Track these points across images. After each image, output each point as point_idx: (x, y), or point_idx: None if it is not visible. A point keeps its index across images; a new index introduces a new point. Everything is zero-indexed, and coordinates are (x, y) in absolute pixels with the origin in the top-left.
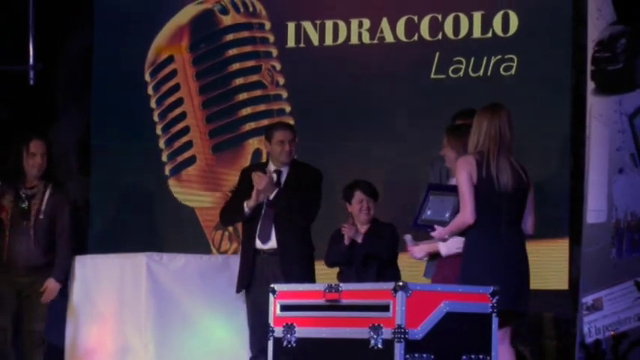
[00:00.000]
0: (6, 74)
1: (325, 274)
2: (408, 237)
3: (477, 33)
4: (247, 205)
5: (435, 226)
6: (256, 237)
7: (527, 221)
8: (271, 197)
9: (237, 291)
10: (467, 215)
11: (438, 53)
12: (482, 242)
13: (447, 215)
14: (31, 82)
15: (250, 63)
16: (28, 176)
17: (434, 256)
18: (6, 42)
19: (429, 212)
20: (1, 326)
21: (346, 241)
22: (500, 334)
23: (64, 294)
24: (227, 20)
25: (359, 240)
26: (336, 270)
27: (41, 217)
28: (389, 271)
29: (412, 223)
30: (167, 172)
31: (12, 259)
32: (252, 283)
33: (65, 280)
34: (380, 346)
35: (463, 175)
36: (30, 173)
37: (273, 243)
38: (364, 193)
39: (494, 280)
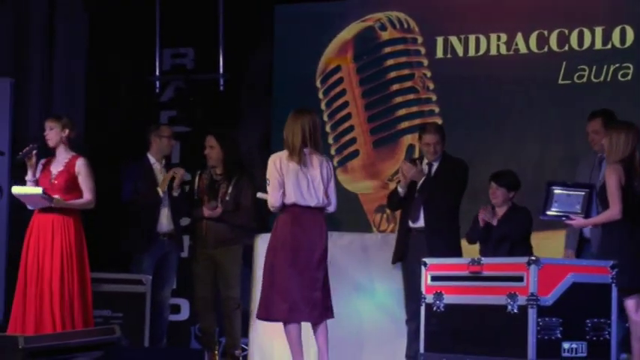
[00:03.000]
0: (200, 82)
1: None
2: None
3: (598, 45)
4: (400, 187)
5: (572, 216)
6: (409, 217)
7: None
8: (419, 185)
9: (392, 262)
10: (616, 212)
11: (564, 62)
12: (627, 233)
13: (578, 207)
14: (221, 88)
15: (405, 71)
16: (212, 165)
17: None
18: (200, 56)
19: (556, 204)
20: (203, 296)
21: (481, 224)
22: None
23: (250, 267)
24: (385, 35)
25: (494, 223)
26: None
27: (227, 198)
28: (520, 249)
29: (542, 214)
30: (335, 163)
31: (207, 234)
32: (407, 257)
33: (237, 227)
34: (516, 311)
35: (614, 179)
36: (208, 163)
37: (421, 222)
38: (496, 183)
39: (636, 262)
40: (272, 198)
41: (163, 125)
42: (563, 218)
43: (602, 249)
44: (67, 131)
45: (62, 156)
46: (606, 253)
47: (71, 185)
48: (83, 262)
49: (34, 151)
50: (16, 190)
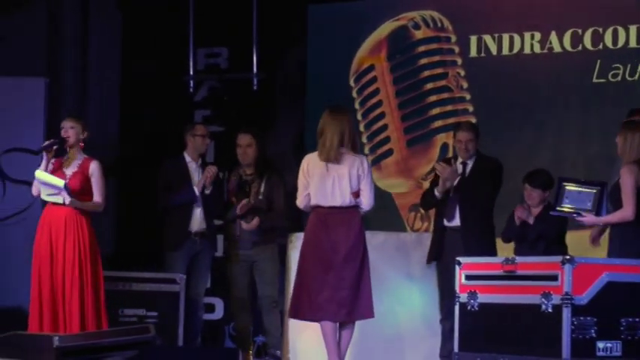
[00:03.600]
0: (234, 81)
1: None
2: None
3: (632, 43)
4: (437, 191)
5: (583, 213)
6: (444, 216)
7: None
8: (455, 184)
9: (428, 262)
10: (629, 213)
11: (599, 61)
12: (638, 233)
13: (589, 204)
14: (255, 87)
15: (439, 70)
16: (243, 164)
17: None
18: (234, 55)
19: (567, 201)
20: (239, 296)
21: (517, 222)
22: None
23: (284, 266)
24: (419, 34)
25: (530, 221)
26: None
27: (260, 197)
28: (556, 247)
29: (552, 209)
30: (369, 162)
31: (241, 236)
32: (442, 256)
33: (271, 228)
34: (550, 310)
35: (630, 179)
36: (241, 162)
37: (457, 221)
38: (530, 185)
39: None
40: (297, 200)
41: (198, 124)
42: (574, 215)
43: (612, 249)
44: (85, 133)
45: (76, 157)
46: (617, 253)
47: (85, 187)
48: (97, 261)
49: (55, 147)
50: (40, 175)
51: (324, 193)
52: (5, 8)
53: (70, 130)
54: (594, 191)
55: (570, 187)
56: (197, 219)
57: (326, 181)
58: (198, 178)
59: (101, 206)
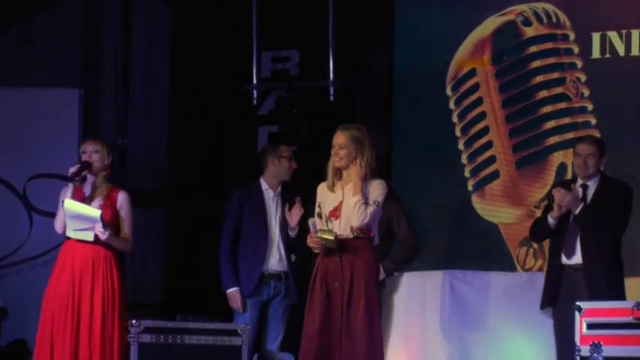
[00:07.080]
0: (306, 90)
1: None
2: (311, 221)
3: None
4: (551, 216)
5: None
6: (562, 252)
7: None
8: (576, 212)
9: (542, 307)
10: None
11: None
12: None
13: None
14: (331, 98)
15: (554, 75)
16: None
17: None
18: (306, 59)
19: None
20: None
21: None
22: None
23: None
24: (530, 32)
25: None
26: None
27: None
28: None
29: None
30: (470, 187)
31: None
32: (558, 300)
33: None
34: None
35: None
36: None
37: (578, 258)
38: None
39: None
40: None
41: (283, 145)
42: None
43: None
44: (110, 158)
45: (101, 187)
46: None
47: (115, 222)
48: (124, 314)
49: (84, 172)
50: (71, 205)
51: None
52: (35, 7)
53: (94, 154)
54: None
55: None
56: (273, 259)
57: None
58: (276, 210)
59: (131, 244)
